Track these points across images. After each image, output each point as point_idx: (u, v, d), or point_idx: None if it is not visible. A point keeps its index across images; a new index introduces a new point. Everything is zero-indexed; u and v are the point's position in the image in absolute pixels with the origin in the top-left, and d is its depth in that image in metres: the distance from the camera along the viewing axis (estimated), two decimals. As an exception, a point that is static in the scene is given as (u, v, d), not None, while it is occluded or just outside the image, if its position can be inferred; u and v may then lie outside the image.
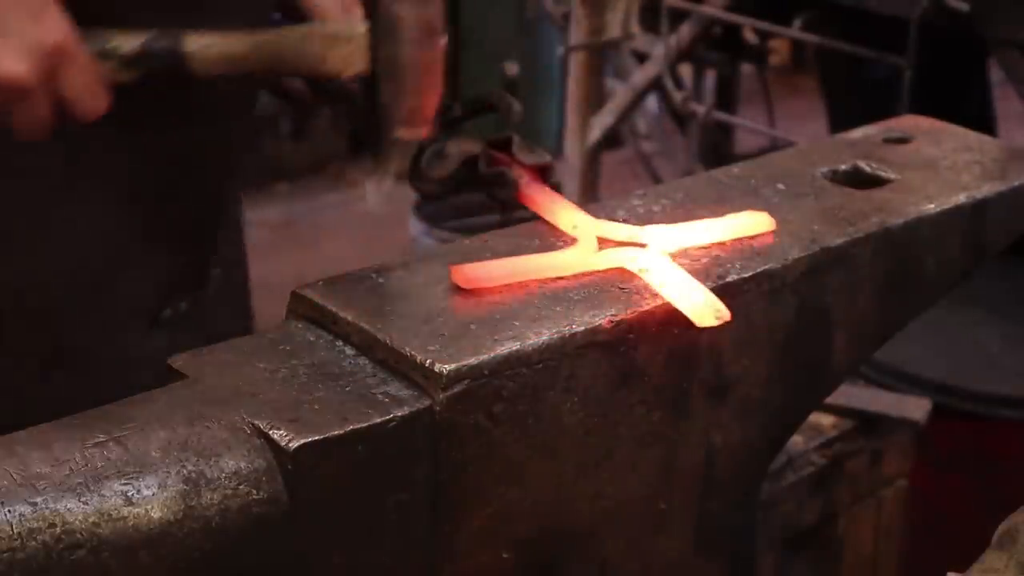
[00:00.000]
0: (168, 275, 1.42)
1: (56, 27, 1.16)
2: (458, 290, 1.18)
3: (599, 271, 1.23)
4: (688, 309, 1.18)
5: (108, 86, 1.20)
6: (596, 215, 1.33)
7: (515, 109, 1.34)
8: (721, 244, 1.29)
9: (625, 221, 1.31)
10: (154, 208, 1.36)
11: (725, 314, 1.18)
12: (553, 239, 1.29)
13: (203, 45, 1.22)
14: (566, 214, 1.29)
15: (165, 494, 0.99)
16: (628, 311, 1.17)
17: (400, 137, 1.25)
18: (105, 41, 1.21)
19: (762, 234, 1.30)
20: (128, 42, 1.21)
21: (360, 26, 1.24)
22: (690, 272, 1.23)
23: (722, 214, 1.33)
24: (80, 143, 1.27)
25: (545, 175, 1.32)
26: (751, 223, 1.31)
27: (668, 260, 1.23)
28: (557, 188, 1.37)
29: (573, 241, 1.27)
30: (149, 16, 1.22)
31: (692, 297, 1.18)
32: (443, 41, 1.25)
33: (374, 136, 1.26)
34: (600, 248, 1.25)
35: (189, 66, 1.22)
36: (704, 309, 1.18)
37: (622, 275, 1.22)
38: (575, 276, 1.22)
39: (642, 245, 1.26)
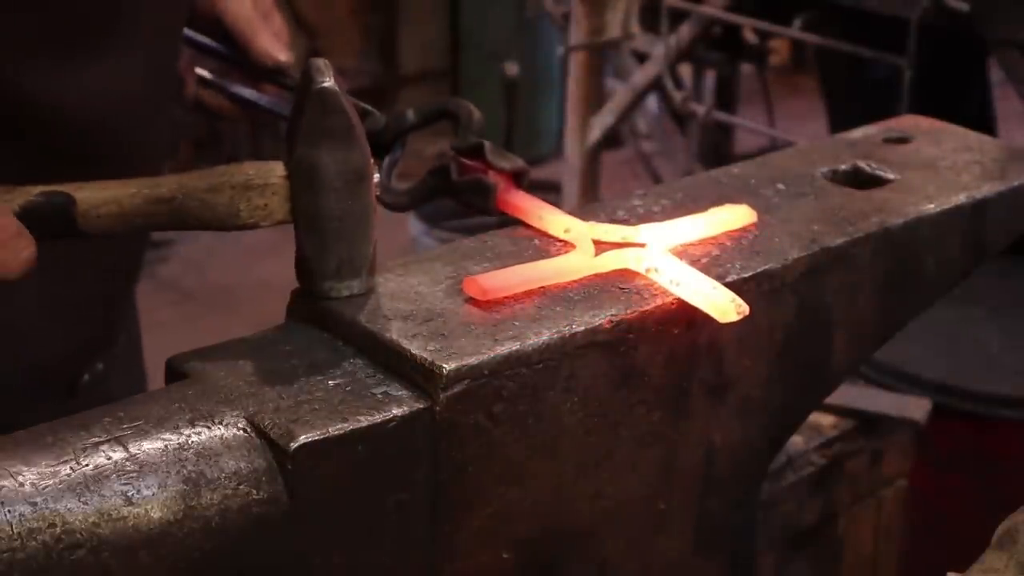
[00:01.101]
0: (84, 340, 1.40)
1: None
2: (473, 301, 1.17)
3: (603, 272, 1.23)
4: (708, 306, 1.18)
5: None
6: (597, 215, 1.33)
7: (475, 117, 1.29)
8: (721, 244, 1.29)
9: (624, 221, 1.31)
10: (68, 276, 1.33)
11: (745, 308, 1.17)
12: (553, 238, 1.29)
13: (92, 202, 1.11)
14: (555, 218, 1.28)
15: (165, 494, 0.99)
16: (628, 311, 1.17)
17: (333, 293, 1.16)
18: None
19: (747, 226, 1.31)
20: (11, 198, 1.11)
21: (278, 170, 1.14)
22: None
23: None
24: None
25: (520, 180, 1.29)
26: (734, 216, 1.31)
27: (674, 258, 1.23)
28: (539, 189, 1.36)
29: (569, 243, 1.27)
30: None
31: (710, 294, 1.18)
32: (375, 184, 1.16)
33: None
34: (597, 251, 1.25)
35: (77, 224, 1.12)
36: (725, 304, 1.17)
37: (622, 275, 1.22)
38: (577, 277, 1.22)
39: (641, 245, 1.26)
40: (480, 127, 1.29)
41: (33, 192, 1.12)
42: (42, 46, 1.22)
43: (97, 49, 1.25)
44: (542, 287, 1.20)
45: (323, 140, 1.12)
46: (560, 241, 1.28)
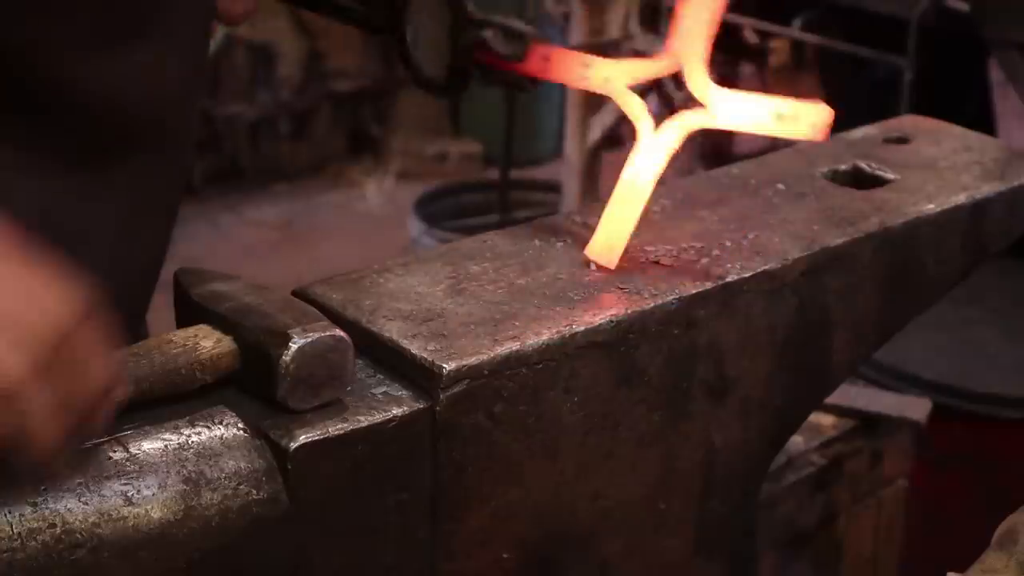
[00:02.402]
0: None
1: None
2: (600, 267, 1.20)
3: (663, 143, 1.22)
4: (786, 132, 1.17)
5: None
6: (597, 215, 1.33)
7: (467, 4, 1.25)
8: (721, 244, 1.29)
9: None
10: (109, 246, 1.33)
11: (826, 115, 1.16)
12: (554, 236, 1.29)
13: None
14: (593, 70, 1.24)
15: (165, 494, 0.99)
16: (628, 311, 1.17)
17: None
18: None
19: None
20: None
21: (204, 331, 1.08)
22: (690, 272, 1.23)
23: (722, 214, 1.33)
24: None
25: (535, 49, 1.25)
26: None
27: (735, 101, 1.21)
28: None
29: (574, 232, 1.27)
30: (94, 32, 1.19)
31: (782, 111, 1.17)
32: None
33: None
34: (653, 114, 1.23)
35: None
36: (801, 117, 1.16)
37: (623, 275, 1.22)
38: (574, 276, 1.22)
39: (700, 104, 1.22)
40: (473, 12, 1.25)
41: None
42: (88, 35, 1.22)
43: (140, 37, 1.26)
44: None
45: None
46: (560, 240, 1.28)
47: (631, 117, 1.24)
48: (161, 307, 1.59)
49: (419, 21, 1.28)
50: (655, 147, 1.23)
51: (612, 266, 1.22)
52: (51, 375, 0.94)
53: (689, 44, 1.22)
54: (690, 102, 1.23)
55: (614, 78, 1.24)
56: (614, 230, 1.23)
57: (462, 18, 1.26)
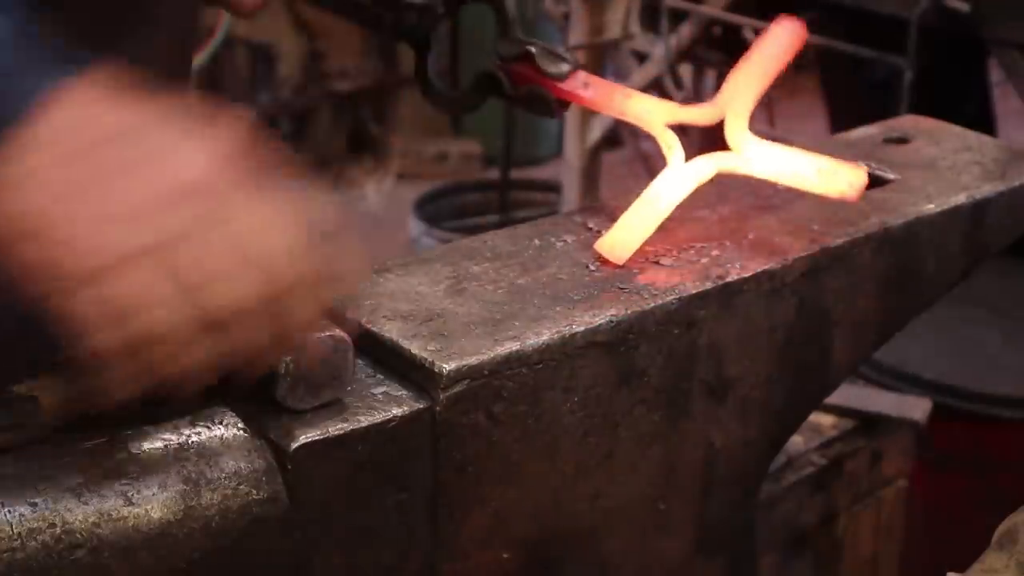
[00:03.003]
0: None
1: None
2: (604, 261, 1.22)
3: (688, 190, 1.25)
4: (827, 188, 1.18)
5: None
6: (597, 215, 1.33)
7: (512, 11, 1.25)
8: (721, 244, 1.29)
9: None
10: None
11: (861, 178, 1.17)
12: (554, 236, 1.29)
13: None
14: (633, 101, 1.26)
15: (165, 494, 0.99)
16: (628, 311, 1.17)
17: None
18: None
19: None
20: None
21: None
22: (690, 272, 1.23)
23: (723, 213, 1.33)
24: None
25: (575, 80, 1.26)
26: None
27: (768, 150, 1.23)
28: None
29: (574, 232, 1.26)
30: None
31: (824, 170, 1.18)
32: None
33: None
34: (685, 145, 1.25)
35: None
36: (847, 179, 1.18)
37: (622, 275, 1.22)
38: (574, 276, 1.22)
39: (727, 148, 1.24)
40: (520, 22, 1.26)
41: None
42: (72, 33, 1.23)
43: (125, 32, 1.26)
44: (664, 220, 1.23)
45: None
46: (560, 240, 1.28)
47: (664, 149, 1.27)
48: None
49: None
50: (684, 175, 1.26)
51: (620, 263, 1.23)
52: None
53: (737, 99, 1.25)
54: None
55: (652, 113, 1.26)
56: (627, 235, 1.24)
57: (507, 30, 1.25)
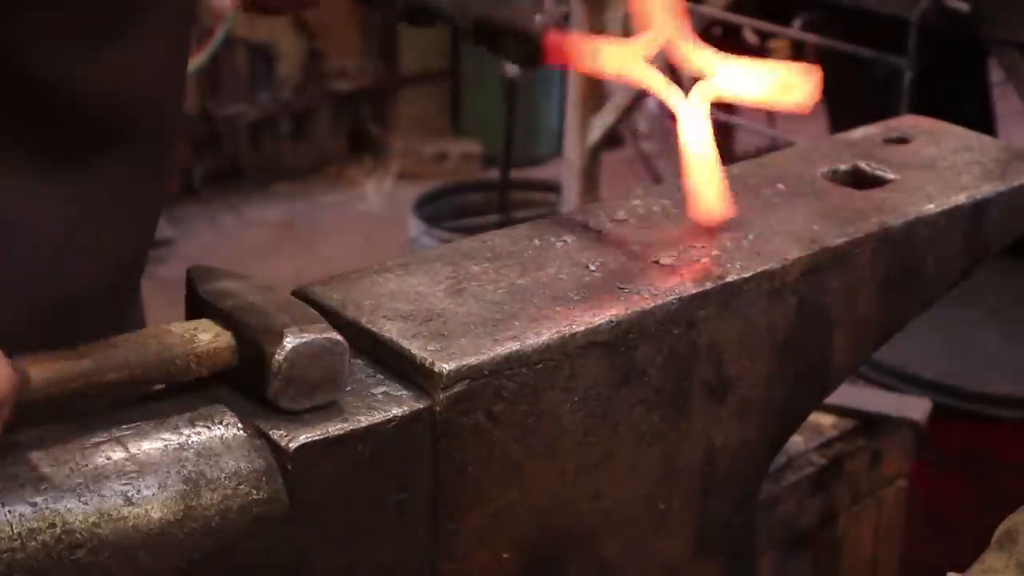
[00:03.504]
0: (137, 254, 1.42)
1: None
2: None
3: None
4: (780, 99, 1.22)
5: None
6: (597, 215, 1.33)
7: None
8: (721, 244, 1.29)
9: (624, 221, 1.31)
10: (94, 237, 1.34)
11: (814, 88, 1.21)
12: (554, 236, 1.29)
13: (44, 384, 1.03)
14: (610, 52, 1.27)
15: (165, 494, 0.99)
16: (628, 311, 1.17)
17: None
18: None
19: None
20: None
21: (204, 325, 1.09)
22: (690, 272, 1.23)
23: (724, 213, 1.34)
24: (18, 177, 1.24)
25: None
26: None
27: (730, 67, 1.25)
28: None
29: (574, 232, 1.28)
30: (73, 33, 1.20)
31: (780, 79, 1.22)
32: None
33: None
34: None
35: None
36: (796, 87, 1.22)
37: (622, 275, 1.22)
38: (574, 276, 1.22)
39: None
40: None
41: None
42: (67, 33, 1.23)
43: (122, 32, 1.27)
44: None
45: None
46: (560, 240, 1.28)
47: (658, 92, 1.27)
48: (162, 306, 1.59)
49: None
50: (694, 115, 1.26)
51: (729, 214, 1.28)
52: None
53: (667, 24, 1.26)
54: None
55: (629, 61, 1.26)
56: (707, 188, 1.28)
57: None
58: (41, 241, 1.30)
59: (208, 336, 1.08)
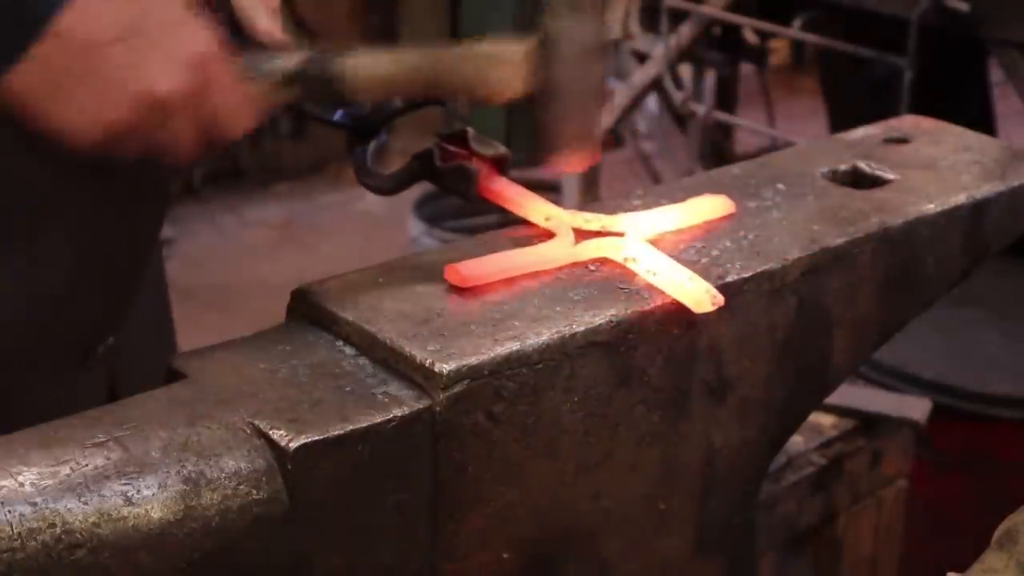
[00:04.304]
0: (103, 313, 1.41)
1: (202, 40, 1.13)
2: (455, 289, 1.18)
3: (590, 262, 1.24)
4: (683, 296, 1.18)
5: (261, 107, 1.18)
6: (596, 215, 1.33)
7: (462, 104, 1.30)
8: (721, 244, 1.29)
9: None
10: (94, 249, 1.34)
11: (720, 298, 1.18)
12: (540, 229, 1.29)
13: (357, 67, 1.18)
14: (536, 206, 1.29)
15: (165, 494, 0.99)
16: (628, 311, 1.17)
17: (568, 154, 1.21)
18: (260, 60, 1.18)
19: (723, 216, 1.32)
20: (285, 62, 1.19)
21: (520, 46, 1.18)
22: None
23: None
24: (25, 188, 1.24)
25: (503, 167, 1.30)
26: (711, 206, 1.33)
27: (651, 248, 1.23)
28: (539, 189, 1.36)
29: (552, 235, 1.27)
30: None
31: (685, 284, 1.19)
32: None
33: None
34: (579, 239, 1.25)
35: (342, 88, 1.19)
36: (700, 295, 1.18)
37: (623, 274, 1.22)
38: (574, 276, 1.22)
39: (619, 234, 1.26)
40: (466, 114, 1.31)
41: (305, 56, 1.19)
42: None
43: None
44: (537, 282, 1.20)
45: (570, 11, 1.17)
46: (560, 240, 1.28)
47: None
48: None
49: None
50: (556, 254, 1.25)
51: (464, 284, 1.20)
52: (197, 91, 1.11)
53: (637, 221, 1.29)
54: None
55: (556, 219, 1.28)
56: (482, 270, 1.21)
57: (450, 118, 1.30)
58: (34, 294, 1.30)
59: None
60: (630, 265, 1.22)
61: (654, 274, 1.20)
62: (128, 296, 1.47)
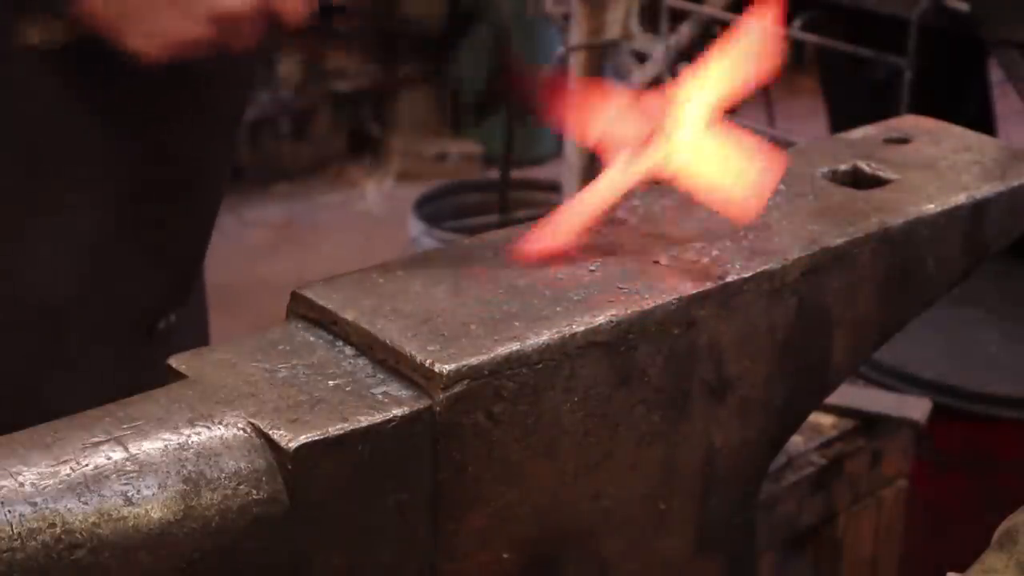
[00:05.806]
0: (163, 287, 1.42)
1: None
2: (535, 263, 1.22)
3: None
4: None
5: None
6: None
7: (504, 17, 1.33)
8: (721, 244, 1.29)
9: (624, 221, 1.31)
10: (151, 219, 1.36)
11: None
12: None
13: None
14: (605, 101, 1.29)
15: (165, 494, 0.99)
16: (628, 311, 1.17)
17: None
18: None
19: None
20: None
21: None
22: (690, 272, 1.23)
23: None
24: (78, 150, 1.26)
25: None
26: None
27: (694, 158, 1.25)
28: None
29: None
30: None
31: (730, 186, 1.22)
32: None
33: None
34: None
35: None
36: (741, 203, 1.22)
37: (622, 274, 1.22)
38: (574, 276, 1.22)
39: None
40: (510, 29, 1.32)
41: None
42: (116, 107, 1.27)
43: (172, 110, 1.32)
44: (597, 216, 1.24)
45: None
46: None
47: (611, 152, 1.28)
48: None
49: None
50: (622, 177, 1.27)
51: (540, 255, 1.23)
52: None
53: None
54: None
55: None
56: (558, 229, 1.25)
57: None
58: (86, 257, 1.31)
59: None
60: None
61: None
62: (190, 271, 1.48)
